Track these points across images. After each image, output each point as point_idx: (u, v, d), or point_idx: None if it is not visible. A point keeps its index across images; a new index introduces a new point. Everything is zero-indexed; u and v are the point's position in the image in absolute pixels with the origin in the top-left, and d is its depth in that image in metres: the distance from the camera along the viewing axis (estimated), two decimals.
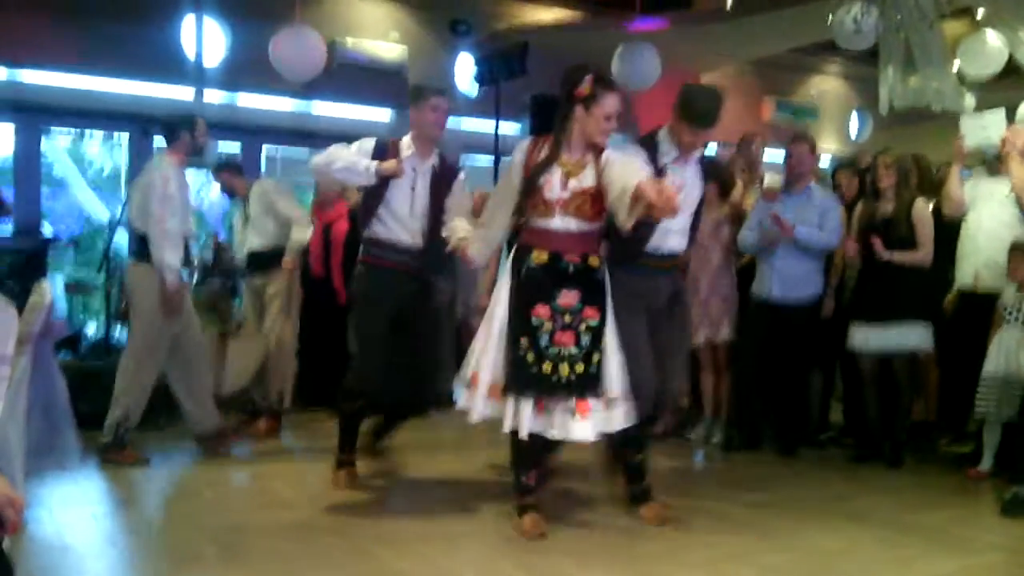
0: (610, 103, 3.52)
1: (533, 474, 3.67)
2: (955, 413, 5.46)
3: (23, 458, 3.45)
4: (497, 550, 3.38)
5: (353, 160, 4.04)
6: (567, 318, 3.48)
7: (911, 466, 5.04)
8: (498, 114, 8.38)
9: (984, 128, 5.06)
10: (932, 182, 5.41)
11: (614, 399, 3.53)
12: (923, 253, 5.01)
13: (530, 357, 3.45)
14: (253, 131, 8.95)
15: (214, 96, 8.47)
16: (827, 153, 11.19)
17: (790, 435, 5.36)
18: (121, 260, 7.20)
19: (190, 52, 8.13)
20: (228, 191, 5.90)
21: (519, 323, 3.49)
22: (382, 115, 9.70)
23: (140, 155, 8.86)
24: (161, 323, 4.71)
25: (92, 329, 7.57)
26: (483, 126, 9.13)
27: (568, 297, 3.49)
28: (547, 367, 3.44)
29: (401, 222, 4.15)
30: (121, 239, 8.01)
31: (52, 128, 8.89)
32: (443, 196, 4.19)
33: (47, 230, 7.12)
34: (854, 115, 11.89)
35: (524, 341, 3.46)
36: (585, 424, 3.45)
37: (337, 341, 6.31)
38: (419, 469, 4.81)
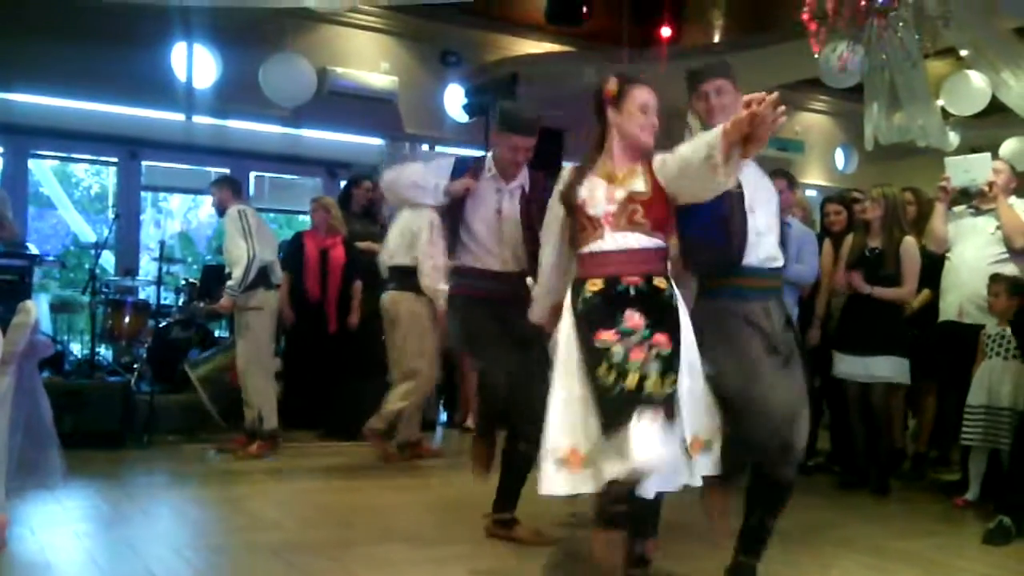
0: (639, 94, 3.09)
1: (652, 542, 3.09)
2: (943, 441, 5.52)
3: (6, 476, 3.43)
4: (485, 574, 3.36)
5: (421, 177, 3.87)
6: (635, 339, 2.87)
7: (898, 494, 5.06)
8: (487, 144, 8.44)
9: (967, 171, 5.14)
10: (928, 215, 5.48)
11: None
12: (907, 290, 5.07)
13: (611, 379, 2.83)
14: (242, 156, 8.98)
15: (204, 121, 8.50)
16: (813, 190, 11.34)
17: None
18: (108, 280, 7.19)
19: (181, 77, 8.17)
20: (219, 208, 5.89)
21: (589, 356, 2.90)
22: (372, 143, 9.75)
23: (128, 178, 8.90)
24: (431, 339, 5.37)
25: (77, 348, 7.53)
26: (472, 156, 9.18)
27: (633, 320, 2.89)
28: (632, 381, 2.81)
29: (485, 248, 3.85)
30: (106, 260, 8.02)
31: (40, 151, 8.88)
32: (536, 217, 3.61)
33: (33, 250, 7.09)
34: (839, 150, 12.04)
35: (602, 368, 2.85)
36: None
37: (323, 365, 6.33)
38: (405, 492, 4.78)
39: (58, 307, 7.39)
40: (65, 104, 8.15)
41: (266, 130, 8.96)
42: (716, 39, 10.01)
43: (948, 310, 5.17)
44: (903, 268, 5.05)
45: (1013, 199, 5.08)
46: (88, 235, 9.64)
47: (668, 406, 2.78)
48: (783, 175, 5.45)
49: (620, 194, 3.03)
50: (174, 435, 6.01)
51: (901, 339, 5.10)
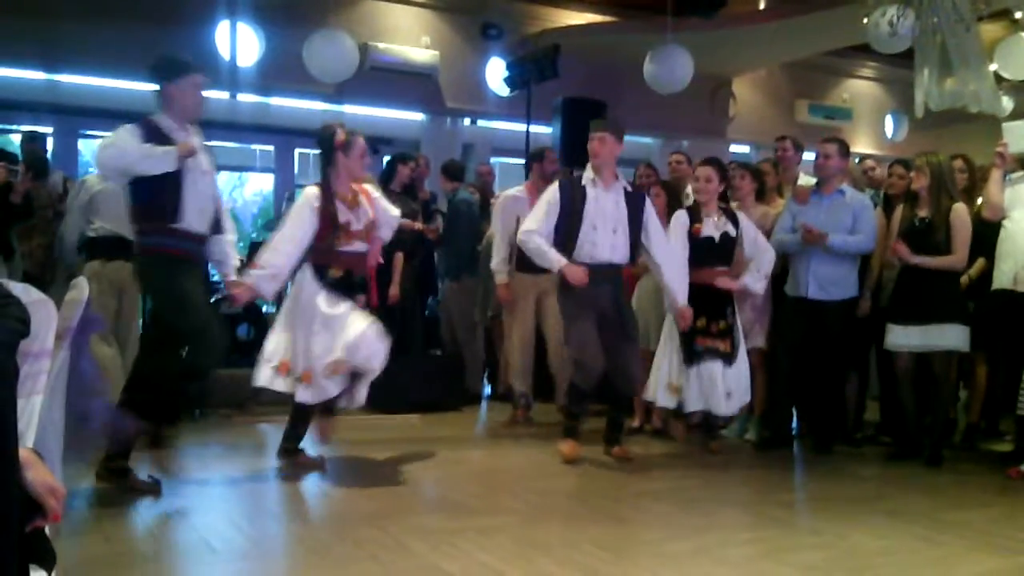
0: (360, 143, 4.49)
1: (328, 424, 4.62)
2: (993, 412, 5.43)
3: (62, 449, 3.51)
4: (531, 545, 3.36)
5: (146, 149, 3.82)
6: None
7: (949, 465, 4.98)
8: (529, 117, 8.40)
9: None
10: (977, 182, 5.37)
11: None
12: (956, 257, 4.96)
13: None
14: (285, 133, 9.03)
15: (248, 98, 8.56)
16: (859, 158, 11.13)
17: (825, 433, 5.33)
18: None
19: (225, 55, 8.23)
20: None
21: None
22: (413, 118, 9.76)
23: None
24: None
25: None
26: (514, 129, 9.16)
27: (361, 302, 4.49)
28: None
29: (198, 207, 4.01)
30: None
31: (89, 131, 9.02)
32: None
33: None
34: (889, 117, 11.80)
35: None
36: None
37: None
38: (450, 464, 4.81)
39: None
40: (112, 84, 8.26)
41: (309, 107, 9.00)
42: (762, 6, 9.85)
43: (1003, 278, 5.06)
44: (954, 236, 4.93)
45: None
46: None
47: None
48: (834, 140, 5.39)
49: (362, 218, 4.49)
50: (226, 408, 6.10)
51: (960, 306, 5.00)
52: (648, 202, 4.96)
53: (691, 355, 5.05)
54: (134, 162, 3.81)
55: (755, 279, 5.16)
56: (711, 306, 5.08)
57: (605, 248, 4.78)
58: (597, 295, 4.74)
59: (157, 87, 4.01)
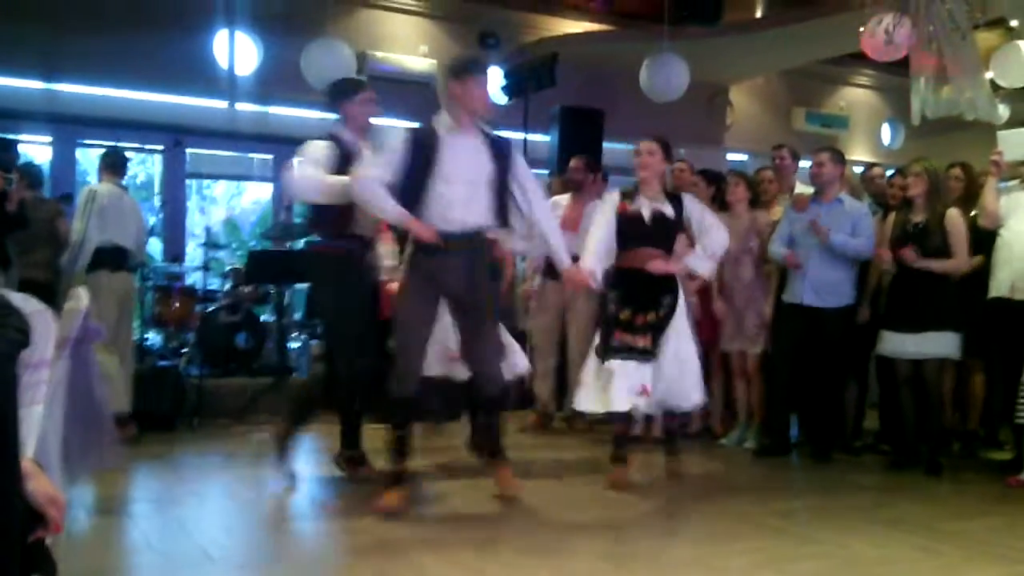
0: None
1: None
2: (991, 420, 5.44)
3: (62, 459, 3.51)
4: (535, 556, 3.36)
5: (337, 185, 4.12)
6: None
7: (949, 473, 4.98)
8: (526, 126, 8.41)
9: (1021, 145, 5.02)
10: (977, 190, 5.38)
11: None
12: (957, 261, 4.97)
13: None
14: (284, 142, 9.01)
15: (246, 108, 8.57)
16: (859, 166, 11.15)
17: (824, 441, 5.33)
18: (155, 267, 7.30)
19: (223, 65, 8.24)
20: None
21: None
22: (411, 127, 9.75)
23: (173, 166, 9.01)
24: None
25: None
26: (511, 137, 9.15)
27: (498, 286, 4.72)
28: None
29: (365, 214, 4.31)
30: (153, 247, 8.13)
31: (87, 140, 9.03)
32: None
33: None
34: (885, 125, 11.83)
35: None
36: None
37: (376, 350, 6.36)
38: (450, 474, 4.81)
39: None
40: (110, 93, 8.27)
41: (308, 116, 8.99)
42: (758, 14, 9.88)
43: (999, 287, 5.06)
44: (951, 240, 4.95)
45: None
46: None
47: None
48: (829, 149, 5.41)
49: None
50: (223, 418, 6.10)
51: (952, 314, 5.00)
52: (518, 154, 4.25)
53: (604, 350, 4.48)
54: (325, 193, 4.14)
55: (699, 260, 4.59)
56: (641, 295, 4.51)
57: (458, 207, 3.93)
58: (447, 269, 3.94)
59: (335, 107, 4.39)
